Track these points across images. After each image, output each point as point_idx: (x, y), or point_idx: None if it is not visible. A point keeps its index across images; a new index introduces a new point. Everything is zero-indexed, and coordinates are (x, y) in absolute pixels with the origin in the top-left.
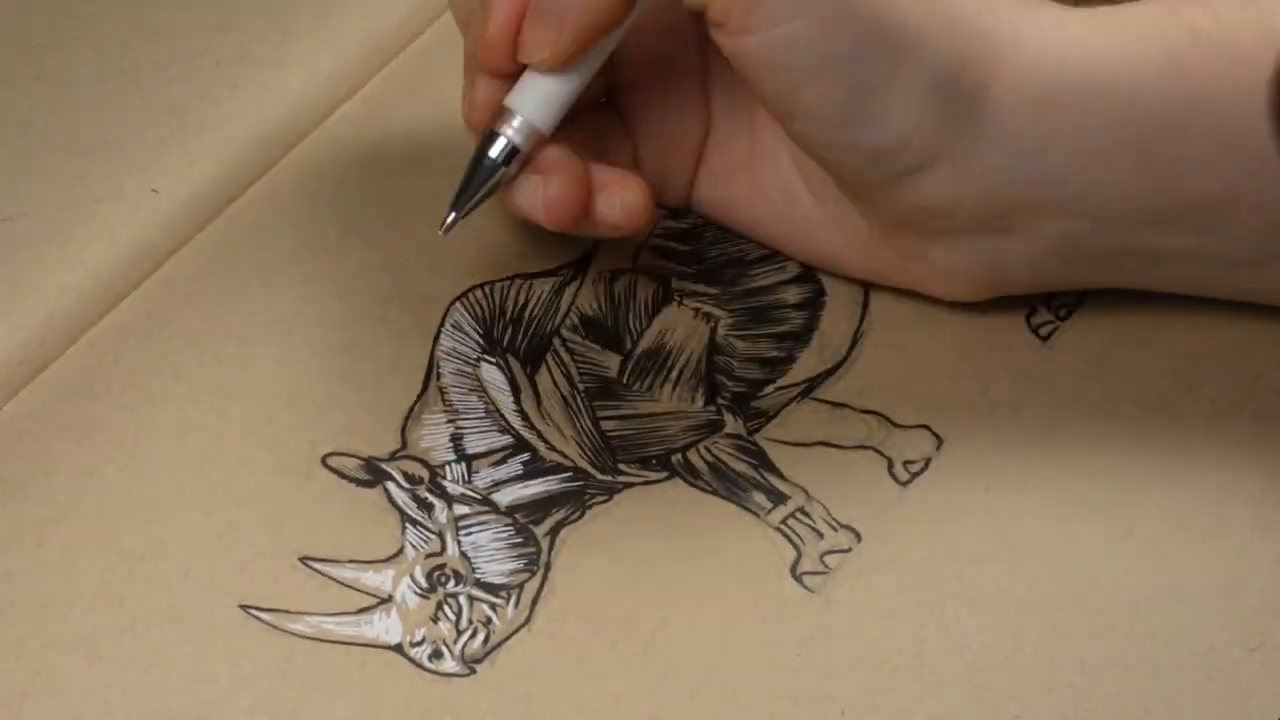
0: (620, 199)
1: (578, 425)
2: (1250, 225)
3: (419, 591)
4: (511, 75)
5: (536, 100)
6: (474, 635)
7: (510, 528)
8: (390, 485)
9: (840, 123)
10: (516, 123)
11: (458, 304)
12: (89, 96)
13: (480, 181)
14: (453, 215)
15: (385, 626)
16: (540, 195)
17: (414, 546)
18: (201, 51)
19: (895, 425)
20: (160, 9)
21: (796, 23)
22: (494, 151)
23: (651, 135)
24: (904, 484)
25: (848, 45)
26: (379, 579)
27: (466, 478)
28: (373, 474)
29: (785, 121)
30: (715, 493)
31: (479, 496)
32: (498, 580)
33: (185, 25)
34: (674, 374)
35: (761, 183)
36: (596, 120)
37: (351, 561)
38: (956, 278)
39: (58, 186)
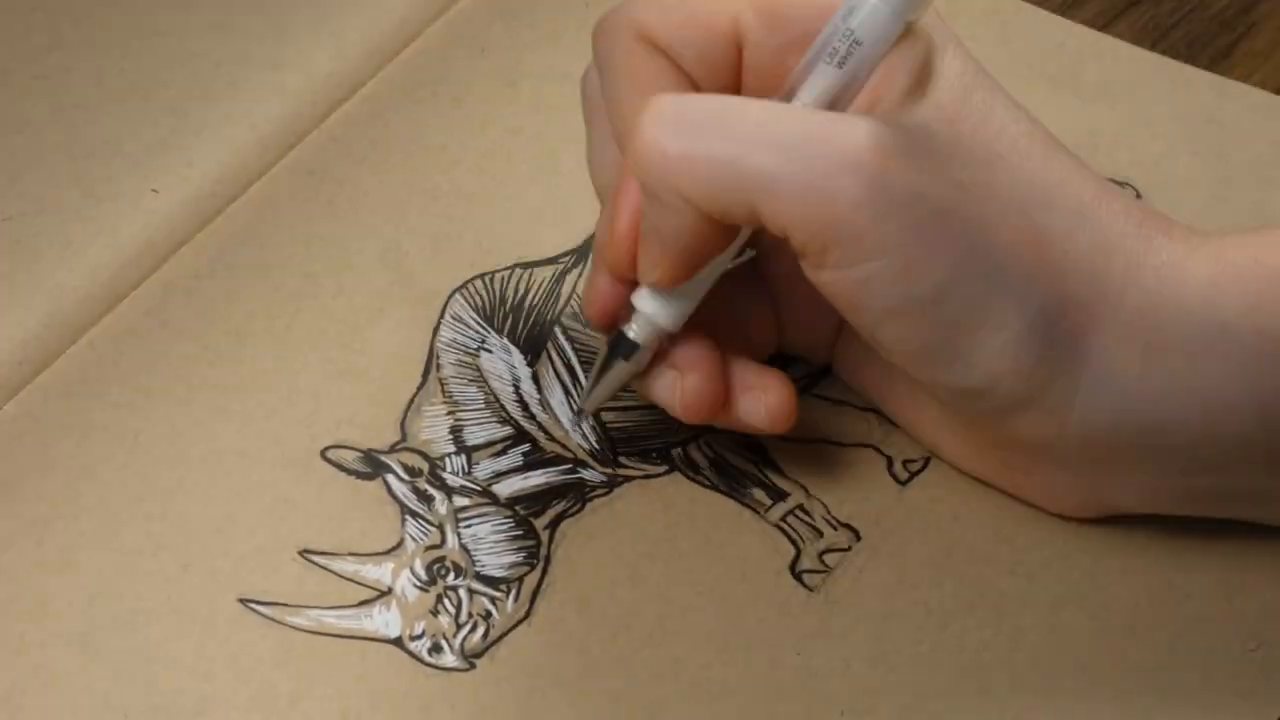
0: (765, 402)
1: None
2: None
3: (419, 584)
4: (633, 280)
5: (660, 303)
6: (474, 629)
7: (510, 520)
8: (390, 477)
9: (926, 362)
10: (641, 322)
11: (457, 295)
12: (89, 96)
13: (608, 378)
14: (581, 411)
15: (385, 620)
16: (677, 391)
17: (414, 539)
18: (201, 51)
19: (895, 424)
20: (160, 9)
21: (875, 264)
22: (621, 349)
23: (794, 305)
24: (904, 483)
25: (931, 289)
26: (378, 572)
27: (466, 469)
28: (372, 466)
29: (877, 350)
30: (715, 488)
31: (479, 488)
32: (497, 573)
33: (184, 25)
34: None
35: (891, 377)
36: (738, 285)
37: (351, 554)
38: (1064, 501)
39: (58, 186)
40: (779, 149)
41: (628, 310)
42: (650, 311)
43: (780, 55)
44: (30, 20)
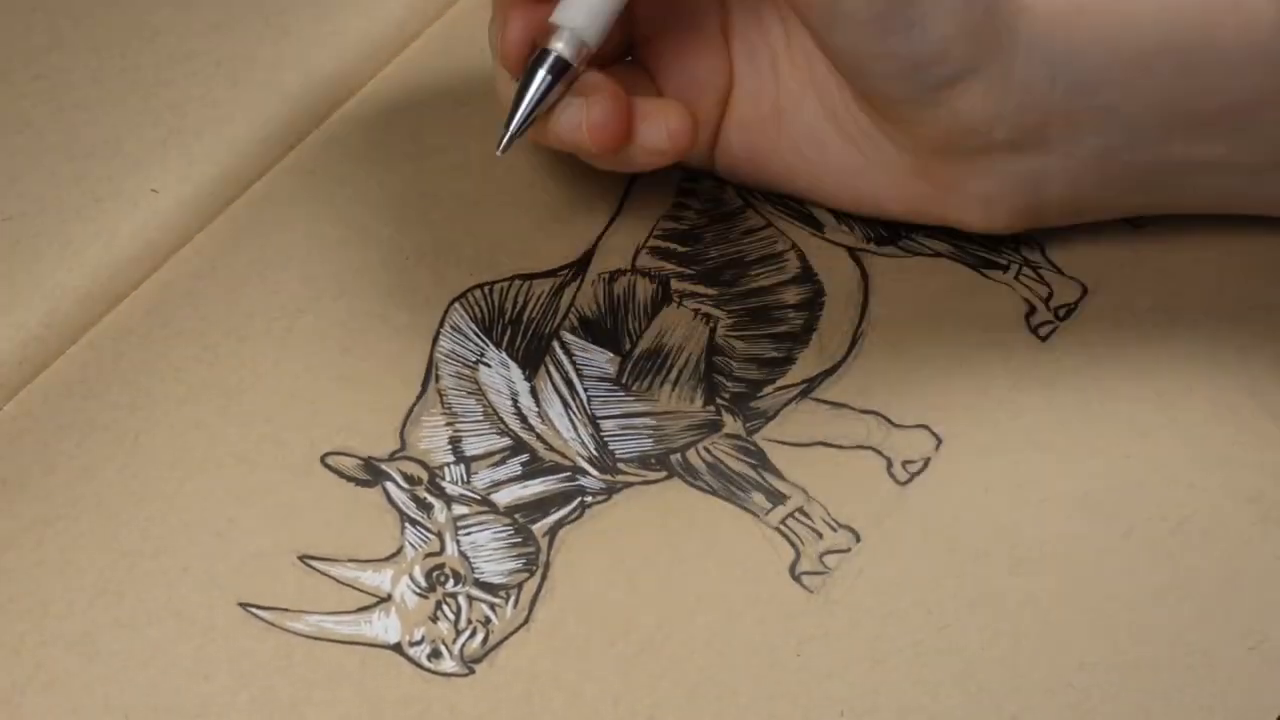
0: (665, 123)
1: (577, 425)
2: (1278, 129)
3: (418, 591)
4: (545, 5)
5: (584, 12)
6: (473, 635)
7: (509, 527)
8: (389, 485)
9: (880, 31)
10: (566, 36)
11: (456, 305)
12: (89, 96)
13: (531, 98)
14: (507, 135)
15: (384, 626)
16: (584, 117)
17: (413, 546)
18: (201, 51)
19: (894, 425)
20: (160, 9)
21: None
22: (543, 68)
23: (674, 89)
24: (903, 484)
25: None
26: (378, 578)
27: (465, 479)
28: (372, 474)
29: (825, 34)
30: (714, 493)
31: (478, 496)
32: (497, 580)
33: (185, 25)
34: (673, 374)
35: (790, 132)
36: (621, 76)
37: (351, 560)
38: (994, 205)
39: (58, 186)
40: None
41: (545, 35)
42: (576, 23)
43: None
44: (30, 20)
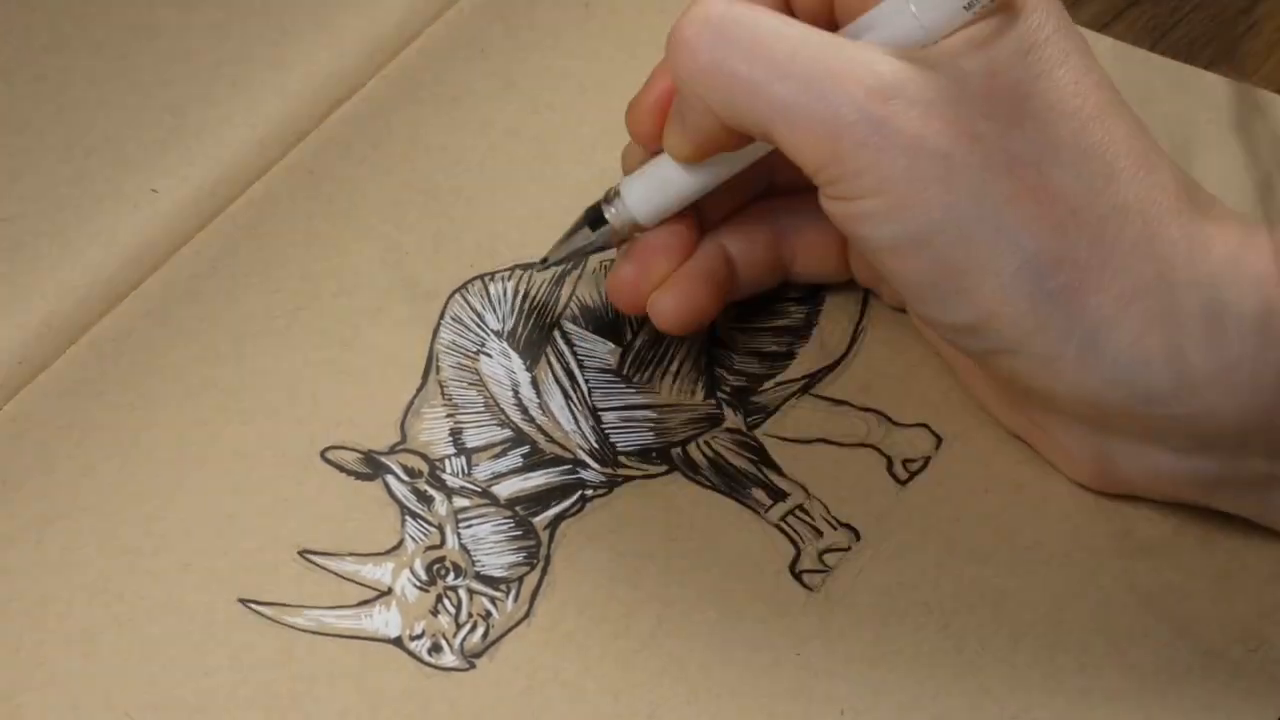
0: (672, 302)
1: (578, 417)
2: None
3: (418, 584)
4: (655, 149)
5: (643, 195)
6: (473, 629)
7: (510, 520)
8: (389, 478)
9: (922, 299)
10: (618, 209)
11: (457, 296)
12: (89, 96)
13: (572, 239)
14: (547, 262)
15: (385, 620)
16: (613, 273)
17: (413, 539)
18: (201, 51)
19: (895, 423)
20: (160, 9)
21: (873, 201)
22: (592, 224)
23: (804, 242)
24: (903, 482)
25: (921, 229)
26: (378, 572)
27: (466, 471)
28: (372, 467)
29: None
30: (715, 488)
31: (479, 489)
32: (497, 573)
33: (185, 25)
34: (674, 366)
35: None
36: (814, 202)
37: (351, 554)
38: (1076, 464)
39: (57, 186)
40: (799, 81)
41: (612, 196)
42: (629, 200)
43: None
44: (30, 20)
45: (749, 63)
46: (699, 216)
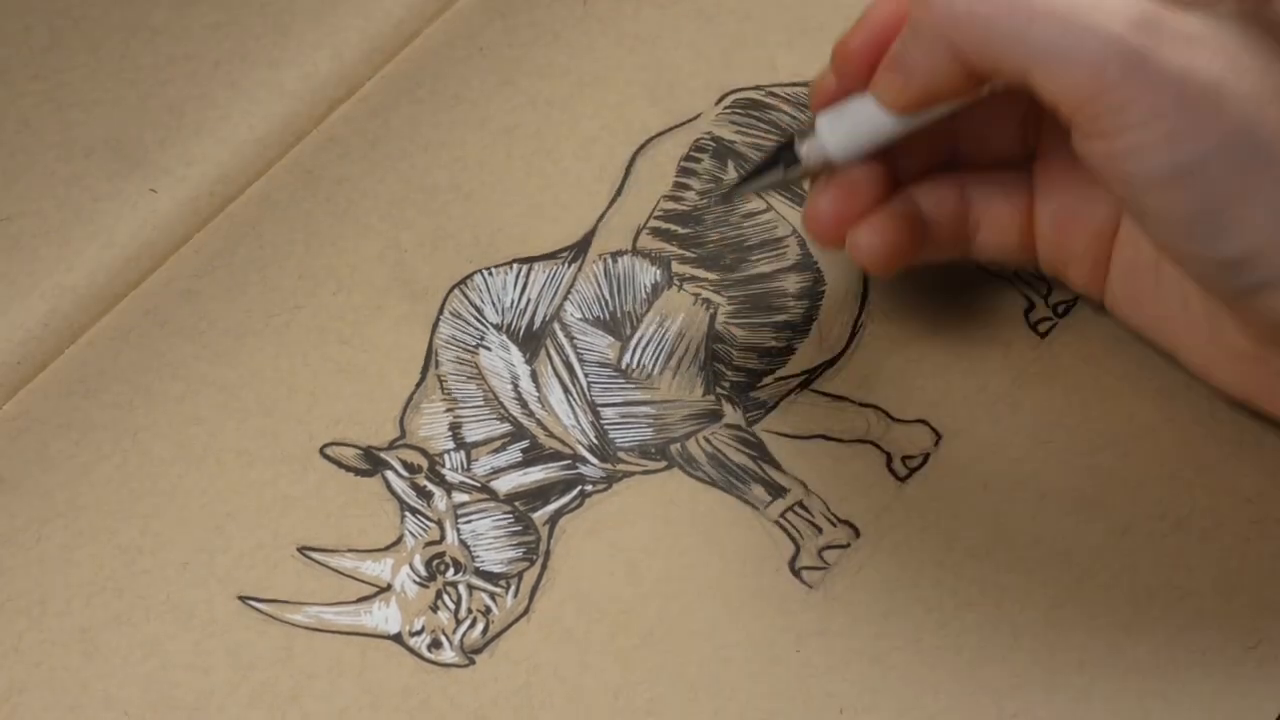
0: (876, 235)
1: (577, 412)
2: None
3: (418, 580)
4: (855, 85)
5: (842, 133)
6: (473, 625)
7: (509, 516)
8: (389, 474)
9: (1188, 234)
10: (812, 146)
11: (456, 291)
12: (89, 96)
13: (761, 176)
14: (725, 194)
15: (384, 616)
16: (809, 203)
17: (413, 535)
18: (200, 51)
19: (894, 420)
20: (159, 9)
21: (1141, 132)
22: (783, 156)
23: (1050, 213)
24: (903, 479)
25: (1194, 158)
26: (378, 568)
27: (465, 466)
28: (371, 463)
29: (1139, 224)
30: (714, 484)
31: (478, 484)
32: (497, 569)
33: (184, 25)
34: (673, 361)
35: (1165, 284)
36: (998, 179)
37: (350, 551)
38: None
39: (57, 186)
40: (1058, 20)
41: (809, 131)
42: (825, 137)
43: None
44: (30, 20)
45: (1005, 5)
46: (892, 166)
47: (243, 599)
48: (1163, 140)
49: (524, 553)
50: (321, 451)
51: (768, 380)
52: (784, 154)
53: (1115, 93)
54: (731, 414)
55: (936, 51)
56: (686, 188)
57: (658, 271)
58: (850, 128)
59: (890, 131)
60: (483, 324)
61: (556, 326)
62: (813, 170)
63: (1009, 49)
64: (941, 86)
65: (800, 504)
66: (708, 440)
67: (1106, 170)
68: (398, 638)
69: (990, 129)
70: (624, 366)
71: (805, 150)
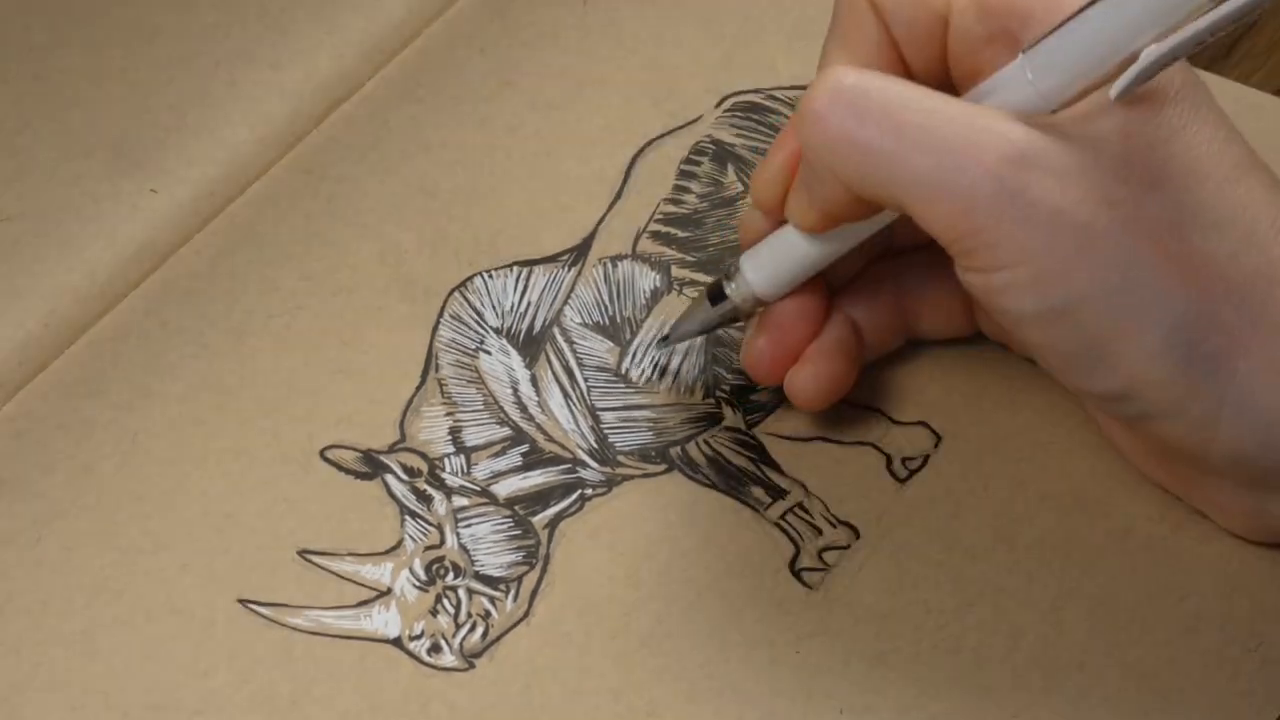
0: (813, 374)
1: (577, 416)
2: None
3: (418, 584)
4: (777, 219)
5: (768, 271)
6: (473, 629)
7: (509, 520)
8: (389, 478)
9: (1067, 368)
10: (739, 284)
11: (456, 294)
12: (89, 96)
13: (694, 316)
14: (667, 340)
15: (384, 620)
16: (745, 346)
17: (413, 539)
18: (201, 51)
19: (894, 422)
20: (160, 9)
21: (1009, 272)
22: (713, 301)
23: (928, 302)
24: (903, 481)
25: (1065, 300)
26: (378, 572)
27: (465, 470)
28: (371, 466)
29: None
30: (714, 486)
31: (478, 488)
32: (497, 573)
33: (185, 25)
34: (673, 366)
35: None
36: (939, 255)
37: (350, 554)
38: (1231, 517)
39: (57, 186)
40: (932, 152)
41: (733, 272)
42: (749, 276)
43: (983, 44)
44: (30, 20)
45: (881, 134)
46: (824, 283)
47: (243, 602)
48: (1032, 282)
49: (524, 556)
50: (322, 455)
51: None
52: (715, 297)
53: (986, 232)
54: (731, 417)
55: (827, 179)
56: (686, 190)
57: (658, 277)
58: (774, 263)
59: (814, 261)
60: (482, 327)
61: (556, 331)
62: (746, 310)
63: (885, 177)
64: (842, 206)
65: (800, 505)
66: (708, 443)
67: (986, 302)
68: (397, 641)
69: None
70: (624, 371)
71: (732, 291)
